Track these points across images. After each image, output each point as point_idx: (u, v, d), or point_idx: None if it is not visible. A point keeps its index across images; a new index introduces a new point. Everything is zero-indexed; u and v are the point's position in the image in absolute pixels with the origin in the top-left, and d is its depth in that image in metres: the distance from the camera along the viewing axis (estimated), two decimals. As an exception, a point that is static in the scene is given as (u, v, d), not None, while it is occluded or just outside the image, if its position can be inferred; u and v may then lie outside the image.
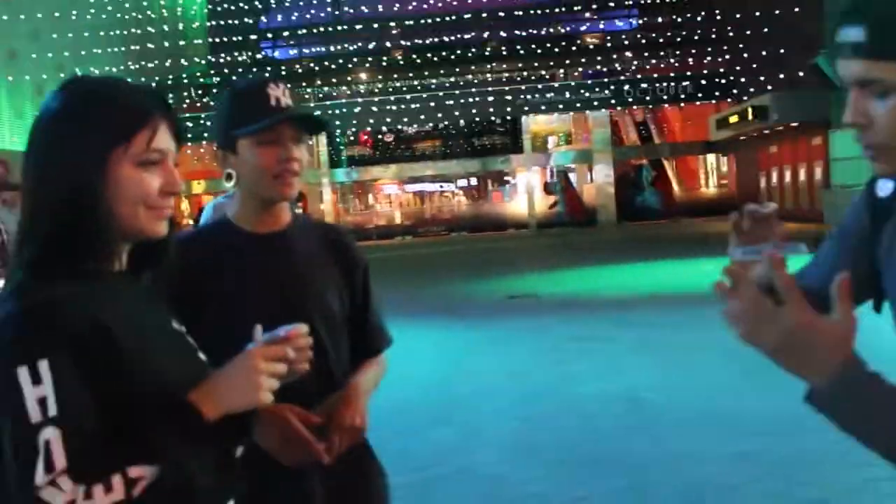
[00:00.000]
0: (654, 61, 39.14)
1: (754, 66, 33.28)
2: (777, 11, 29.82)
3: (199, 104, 36.34)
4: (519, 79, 39.42)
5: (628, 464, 5.29)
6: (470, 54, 39.22)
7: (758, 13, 31.37)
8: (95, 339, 1.40)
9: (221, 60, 37.86)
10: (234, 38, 38.16)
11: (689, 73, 37.72)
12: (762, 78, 31.93)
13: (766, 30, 31.16)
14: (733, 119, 32.13)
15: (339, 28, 40.59)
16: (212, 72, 37.80)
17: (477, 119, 40.23)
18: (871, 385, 1.21)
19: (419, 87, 39.09)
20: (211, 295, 2.14)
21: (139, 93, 1.57)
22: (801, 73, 27.45)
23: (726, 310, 1.28)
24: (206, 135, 27.42)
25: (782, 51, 30.14)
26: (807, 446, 5.45)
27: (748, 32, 33.10)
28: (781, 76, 30.42)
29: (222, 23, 38.23)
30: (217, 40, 38.20)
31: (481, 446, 6.03)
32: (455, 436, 6.37)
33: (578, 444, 5.89)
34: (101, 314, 1.43)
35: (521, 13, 40.19)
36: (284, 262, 2.23)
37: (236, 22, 38.33)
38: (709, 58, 37.97)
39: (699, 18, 36.86)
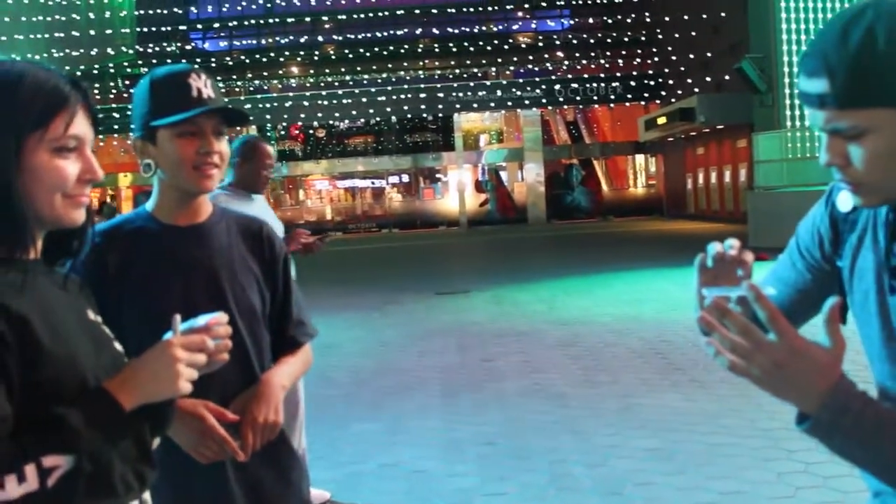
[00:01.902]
0: (585, 62, 39.61)
1: (682, 68, 33.93)
2: (704, 16, 30.41)
3: (125, 94, 35.65)
4: (451, 76, 39.51)
5: (550, 458, 5.34)
6: (403, 50, 39.18)
7: (686, 17, 31.94)
8: (8, 328, 1.36)
9: (149, 50, 37.20)
10: (163, 28, 37.52)
11: (619, 74, 38.27)
12: (690, 80, 32.54)
13: (693, 34, 31.76)
14: (661, 120, 32.68)
15: (271, 21, 40.20)
16: (139, 62, 37.11)
17: (409, 116, 40.21)
18: (859, 411, 1.24)
19: (351, 83, 38.98)
20: (130, 288, 2.10)
21: (54, 77, 1.52)
22: (727, 77, 28.05)
23: (713, 341, 1.28)
24: (132, 126, 26.86)
25: (709, 54, 30.76)
26: (720, 441, 5.58)
27: (676, 36, 33.73)
28: (708, 79, 31.04)
29: (151, 12, 37.55)
30: (145, 30, 37.51)
31: (405, 441, 6.02)
32: (379, 431, 6.35)
33: (502, 439, 5.92)
34: (14, 303, 1.39)
35: (454, 11, 40.31)
36: (205, 256, 2.20)
37: (165, 12, 37.71)
38: (638, 59, 38.57)
39: (629, 21, 37.39)
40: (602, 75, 38.47)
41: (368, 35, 39.10)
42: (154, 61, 35.66)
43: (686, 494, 4.74)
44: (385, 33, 39.23)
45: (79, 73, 30.86)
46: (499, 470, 5.28)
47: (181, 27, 39.31)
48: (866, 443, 1.25)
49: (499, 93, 38.09)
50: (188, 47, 39.72)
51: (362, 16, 39.37)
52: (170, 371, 1.49)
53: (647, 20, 36.29)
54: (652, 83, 37.70)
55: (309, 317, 2.45)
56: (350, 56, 38.96)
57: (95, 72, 34.48)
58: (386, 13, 39.52)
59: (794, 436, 5.50)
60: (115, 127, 33.07)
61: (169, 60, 35.52)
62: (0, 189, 1.43)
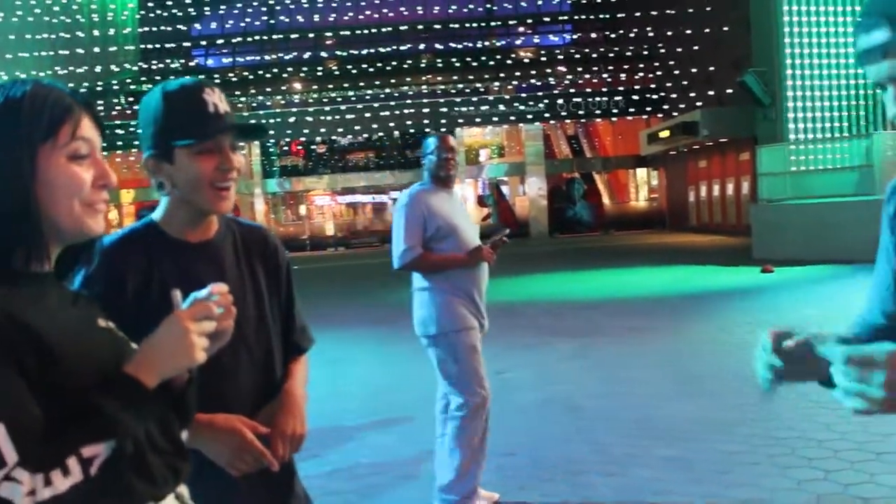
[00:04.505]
0: (587, 76, 39.72)
1: (685, 82, 34.00)
2: (707, 30, 30.50)
3: (128, 111, 35.69)
4: (453, 91, 39.60)
5: (569, 469, 5.35)
6: (405, 66, 39.28)
7: (688, 31, 32.04)
8: (27, 342, 1.38)
9: (152, 67, 37.30)
10: (166, 45, 37.64)
11: (621, 89, 38.35)
12: (692, 94, 32.61)
13: (696, 48, 31.86)
14: (664, 134, 32.73)
15: (274, 37, 40.33)
16: (142, 78, 37.20)
17: (411, 130, 40.26)
18: None
19: (353, 98, 39.03)
20: (149, 305, 2.06)
21: (55, 88, 1.56)
22: (729, 91, 28.12)
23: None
24: (137, 143, 26.91)
25: (712, 68, 30.84)
26: (737, 449, 5.59)
27: (679, 50, 33.82)
28: (711, 93, 31.11)
29: (154, 29, 37.67)
30: (148, 47, 37.62)
31: (423, 453, 6.02)
32: (396, 443, 6.37)
33: (520, 450, 5.93)
34: (31, 317, 1.42)
35: (456, 26, 40.44)
36: (216, 272, 2.16)
37: (168, 28, 37.82)
38: (640, 74, 38.66)
39: (632, 35, 37.51)
40: (604, 89, 38.58)
41: (371, 50, 39.22)
42: (157, 78, 35.74)
43: (705, 503, 4.75)
44: (387, 48, 39.36)
45: (83, 90, 30.97)
46: (518, 480, 5.30)
47: (184, 44, 39.44)
48: None
49: (501, 107, 38.17)
50: (191, 64, 39.82)
51: (365, 31, 39.51)
52: (184, 342, 1.52)
53: (650, 34, 36.40)
54: (654, 97, 37.78)
55: (308, 323, 2.47)
56: (352, 71, 39.08)
57: (99, 88, 34.56)
58: (389, 28, 39.67)
59: (811, 444, 5.52)
60: (119, 143, 33.11)
61: (172, 77, 35.50)
62: (19, 201, 1.46)
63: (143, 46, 37.95)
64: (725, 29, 29.02)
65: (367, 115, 37.54)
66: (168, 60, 37.54)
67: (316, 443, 6.26)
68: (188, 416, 1.64)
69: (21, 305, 1.43)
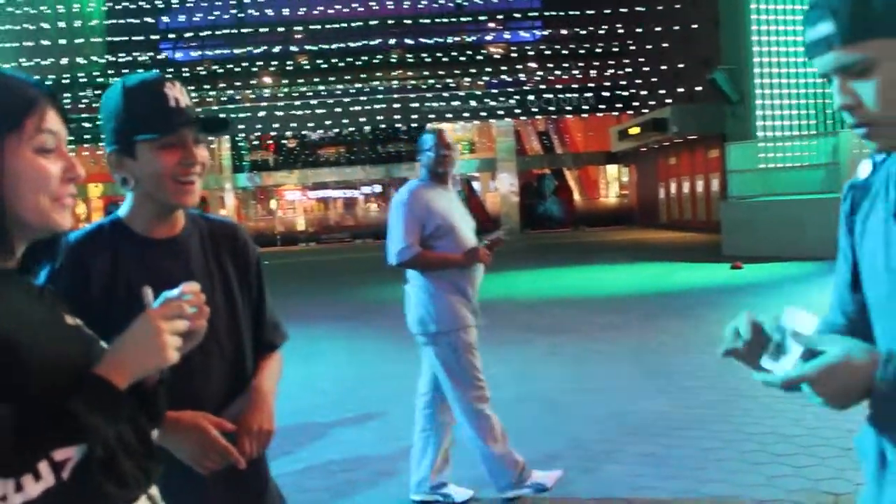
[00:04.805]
0: (557, 72, 39.82)
1: (654, 79, 34.20)
2: (676, 27, 30.69)
3: (95, 104, 35.28)
4: (424, 86, 39.57)
5: (545, 465, 5.34)
6: (375, 60, 39.20)
7: (658, 28, 32.22)
8: None
9: (119, 60, 36.93)
10: (133, 38, 37.27)
11: (591, 85, 38.48)
12: (662, 91, 32.81)
13: (665, 45, 32.05)
14: (634, 130, 32.90)
15: (243, 30, 40.07)
16: (109, 71, 36.82)
17: (382, 126, 40.19)
18: None
19: (324, 93, 38.89)
20: (118, 301, 2.05)
21: (19, 78, 1.51)
22: (699, 88, 28.32)
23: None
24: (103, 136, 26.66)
25: (681, 65, 31.04)
26: (709, 445, 5.62)
27: (649, 47, 34.01)
28: (681, 90, 31.31)
29: (121, 21, 37.29)
30: (115, 39, 37.24)
31: (396, 450, 6.00)
32: (370, 440, 6.34)
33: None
34: None
35: (427, 21, 40.40)
36: (183, 269, 2.15)
37: (136, 21, 37.45)
38: (611, 70, 38.83)
39: (602, 32, 37.65)
40: (575, 86, 38.69)
41: (341, 45, 39.09)
42: (125, 71, 35.37)
43: (681, 499, 4.77)
44: (358, 43, 39.24)
45: (48, 83, 30.57)
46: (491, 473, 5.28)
47: (152, 36, 39.07)
48: None
49: (472, 103, 38.19)
50: (159, 57, 39.48)
51: (335, 26, 39.37)
52: (156, 342, 1.49)
53: (620, 31, 36.57)
54: (624, 94, 37.97)
55: (280, 319, 2.44)
56: (323, 66, 38.94)
57: (66, 81, 34.16)
58: (359, 23, 39.56)
59: (781, 440, 5.56)
60: (86, 137, 32.77)
61: (140, 70, 35.20)
62: None
63: (109, 39, 37.53)
64: (695, 26, 29.22)
65: (338, 110, 37.41)
66: (136, 53, 37.16)
67: (288, 440, 6.22)
68: (158, 416, 1.61)
69: None
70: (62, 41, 34.03)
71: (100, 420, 1.38)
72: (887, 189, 1.53)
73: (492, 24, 42.66)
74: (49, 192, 1.48)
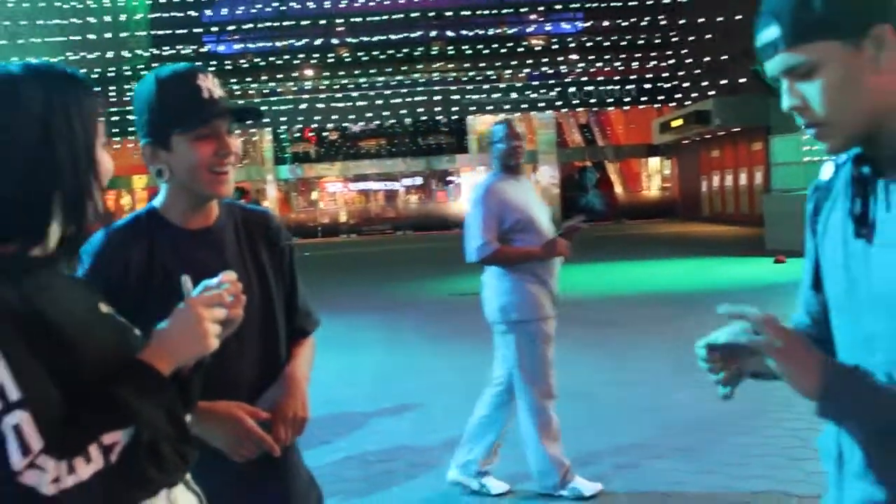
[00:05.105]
0: (598, 64, 39.55)
1: (697, 71, 33.84)
2: (720, 19, 30.33)
3: (141, 98, 35.69)
4: (465, 79, 39.51)
5: (581, 459, 5.32)
6: (416, 53, 39.21)
7: (701, 20, 31.86)
8: (35, 323, 1.39)
9: (163, 53, 37.30)
10: (177, 32, 37.63)
11: (633, 77, 38.19)
12: (705, 83, 32.46)
13: (708, 36, 31.69)
14: (676, 123, 32.59)
15: (285, 23, 40.28)
16: (153, 65, 37.21)
17: (422, 118, 40.22)
18: (852, 380, 1.44)
19: (365, 85, 38.99)
20: (154, 292, 2.08)
21: (83, 76, 1.58)
22: (742, 80, 27.97)
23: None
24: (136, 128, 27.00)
25: (724, 57, 30.68)
26: (749, 441, 5.56)
27: (691, 38, 33.64)
28: (724, 81, 30.96)
29: (165, 15, 37.66)
30: (159, 33, 37.63)
31: (434, 441, 6.02)
32: (407, 431, 6.36)
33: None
34: (40, 304, 1.42)
35: (467, 13, 40.31)
36: (218, 259, 2.17)
37: (180, 14, 37.80)
38: (653, 62, 38.48)
39: (644, 23, 37.32)
40: (616, 78, 38.42)
41: (382, 37, 39.15)
42: (168, 64, 35.78)
43: (718, 494, 4.73)
44: (399, 36, 39.28)
45: (94, 76, 31.00)
46: (523, 465, 5.27)
47: (195, 30, 39.41)
48: (870, 396, 1.41)
49: (512, 95, 38.08)
50: (202, 50, 39.81)
51: (376, 18, 39.43)
52: (198, 330, 1.54)
53: (662, 23, 36.22)
54: (666, 86, 37.63)
55: (312, 306, 2.46)
56: (364, 58, 39.03)
57: (111, 74, 34.58)
58: (400, 15, 39.58)
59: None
60: (130, 129, 33.15)
61: (184, 63, 35.62)
62: (84, 192, 1.49)
63: (154, 33, 37.93)
64: (739, 17, 28.84)
65: (379, 102, 37.51)
66: (179, 47, 37.51)
67: (326, 430, 6.27)
68: (192, 402, 1.65)
69: (35, 293, 1.43)
70: (107, 35, 34.43)
71: (146, 405, 1.43)
72: (847, 191, 1.58)
73: (533, 16, 42.47)
74: (104, 185, 1.57)
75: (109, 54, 34.46)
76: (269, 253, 2.32)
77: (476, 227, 4.72)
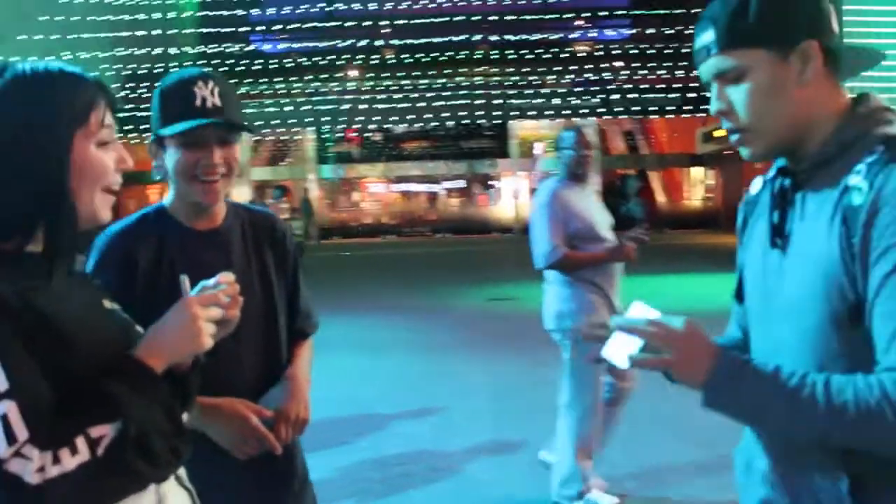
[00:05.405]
0: (643, 72, 39.27)
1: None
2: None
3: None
4: (507, 83, 39.43)
5: (601, 470, 5.29)
6: (460, 57, 39.22)
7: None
8: (34, 322, 1.41)
9: (211, 51, 37.70)
10: (225, 30, 38.01)
11: (677, 86, 37.88)
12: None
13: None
14: (719, 133, 32.25)
15: (331, 24, 40.52)
16: (200, 62, 37.63)
17: (465, 121, 40.21)
18: (742, 365, 1.48)
19: (408, 87, 39.07)
20: (161, 291, 2.09)
21: (78, 73, 1.58)
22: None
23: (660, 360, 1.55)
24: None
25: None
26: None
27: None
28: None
29: (213, 13, 38.06)
30: (207, 31, 38.03)
31: (454, 446, 6.02)
32: (428, 434, 6.36)
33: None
34: (38, 299, 1.44)
35: (512, 18, 40.26)
36: (224, 260, 2.20)
37: (227, 13, 38.18)
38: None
39: (689, 31, 36.99)
40: (660, 86, 38.12)
41: (426, 40, 39.22)
42: (216, 61, 36.18)
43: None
44: (443, 39, 39.32)
45: (142, 72, 31.41)
46: (543, 476, 5.24)
47: (243, 28, 39.77)
48: (756, 398, 1.45)
49: (555, 101, 37.95)
50: (248, 48, 40.16)
51: (421, 21, 39.51)
52: (191, 328, 1.56)
53: (709, 31, 35.88)
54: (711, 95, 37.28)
55: (314, 308, 2.49)
56: (408, 61, 39.12)
57: (158, 71, 35.02)
58: (445, 19, 39.63)
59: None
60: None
61: (230, 61, 36.03)
62: (57, 188, 1.48)
63: (202, 31, 38.35)
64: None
65: (421, 104, 37.57)
66: (226, 44, 37.88)
67: (345, 430, 6.29)
68: (189, 399, 1.67)
69: (34, 288, 1.45)
70: (156, 32, 34.86)
71: (136, 400, 1.45)
72: (770, 203, 1.64)
73: (578, 22, 42.31)
74: (105, 184, 1.56)
75: (158, 51, 34.86)
76: (273, 254, 2.35)
77: (543, 232, 4.69)
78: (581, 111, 37.61)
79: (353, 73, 40.74)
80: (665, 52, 38.80)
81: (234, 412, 2.13)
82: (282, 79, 37.46)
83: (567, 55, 40.14)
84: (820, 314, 1.48)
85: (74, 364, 1.44)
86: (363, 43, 39.72)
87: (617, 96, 37.66)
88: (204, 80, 2.14)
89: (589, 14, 41.68)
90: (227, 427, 2.12)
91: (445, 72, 39.37)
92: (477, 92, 38.43)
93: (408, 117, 38.63)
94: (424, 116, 38.36)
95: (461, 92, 38.31)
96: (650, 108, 37.75)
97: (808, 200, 1.54)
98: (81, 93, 1.54)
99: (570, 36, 42.04)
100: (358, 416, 6.73)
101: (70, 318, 1.47)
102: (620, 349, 1.57)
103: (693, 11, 36.65)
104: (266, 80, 36.96)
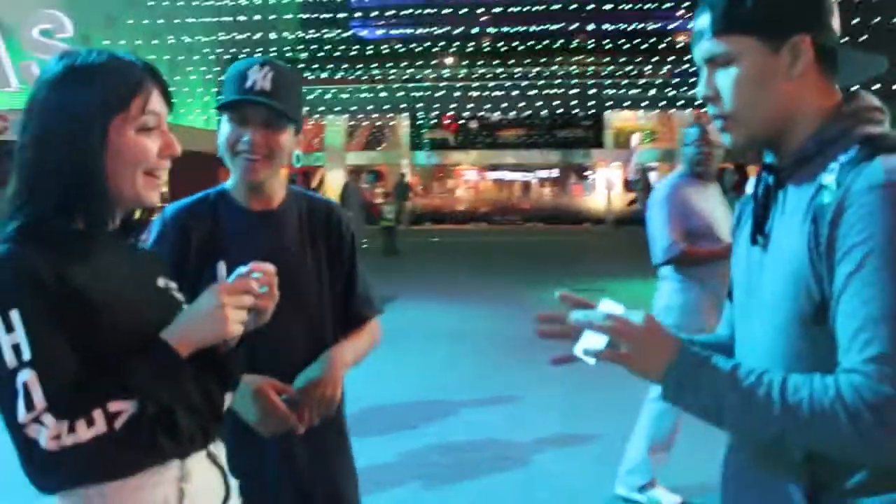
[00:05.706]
0: (743, 63, 38.32)
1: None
2: (877, 18, 29.02)
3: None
4: (604, 73, 38.97)
5: (670, 465, 5.25)
6: (556, 45, 38.90)
7: (856, 21, 30.49)
8: (64, 292, 1.48)
9: (311, 36, 38.22)
10: (325, 15, 38.48)
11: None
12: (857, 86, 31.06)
13: (863, 38, 30.30)
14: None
15: (428, 11, 40.65)
16: (300, 47, 38.20)
17: (560, 111, 39.91)
18: (700, 362, 1.47)
19: (503, 76, 38.95)
20: (204, 265, 2.14)
21: (130, 61, 1.65)
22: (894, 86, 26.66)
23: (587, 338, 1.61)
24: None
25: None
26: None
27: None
28: (877, 86, 29.58)
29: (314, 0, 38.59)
30: (308, 16, 38.57)
31: (523, 436, 6.04)
32: (499, 423, 6.39)
33: (620, 442, 5.85)
34: (74, 275, 1.51)
35: (610, 7, 39.75)
36: (276, 242, 2.28)
37: (328, -1, 38.65)
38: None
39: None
40: (761, 77, 37.18)
41: (522, 29, 39.02)
42: (314, 46, 36.70)
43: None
44: (539, 27, 39.07)
45: (242, 56, 32.00)
46: (612, 470, 5.23)
47: (342, 14, 40.20)
48: (711, 390, 1.44)
49: (652, 92, 37.36)
50: (346, 34, 40.59)
51: (517, 9, 39.33)
52: (217, 315, 1.60)
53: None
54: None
55: (375, 293, 2.52)
56: (504, 49, 38.99)
57: (258, 55, 35.65)
58: (541, 7, 39.35)
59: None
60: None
61: (329, 46, 36.48)
62: (88, 167, 1.56)
63: (303, 16, 38.90)
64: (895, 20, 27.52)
65: (516, 93, 37.43)
66: (326, 30, 38.35)
67: (415, 415, 6.37)
68: (230, 380, 1.72)
69: (71, 265, 1.53)
70: (257, 17, 35.46)
71: (156, 381, 1.52)
72: (754, 201, 1.63)
73: (678, 13, 41.52)
74: (146, 167, 1.63)
75: (258, 35, 35.48)
76: (327, 241, 2.40)
77: (662, 227, 4.64)
78: (678, 102, 36.95)
79: (449, 60, 40.82)
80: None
81: (255, 389, 2.16)
82: (377, 64, 37.75)
83: (665, 46, 39.45)
84: (788, 312, 1.48)
85: (104, 340, 1.52)
86: (459, 30, 39.73)
87: (716, 88, 36.82)
88: (261, 66, 2.22)
89: (689, 4, 40.84)
90: (251, 404, 2.16)
91: (541, 60, 39.10)
92: (573, 81, 38.09)
93: (501, 106, 38.53)
94: (518, 105, 38.21)
95: (557, 81, 38.03)
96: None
97: (789, 197, 1.54)
98: (124, 79, 1.61)
99: (669, 26, 41.29)
100: (429, 402, 6.80)
101: (107, 295, 1.55)
102: (589, 346, 1.60)
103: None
104: (363, 65, 37.27)
